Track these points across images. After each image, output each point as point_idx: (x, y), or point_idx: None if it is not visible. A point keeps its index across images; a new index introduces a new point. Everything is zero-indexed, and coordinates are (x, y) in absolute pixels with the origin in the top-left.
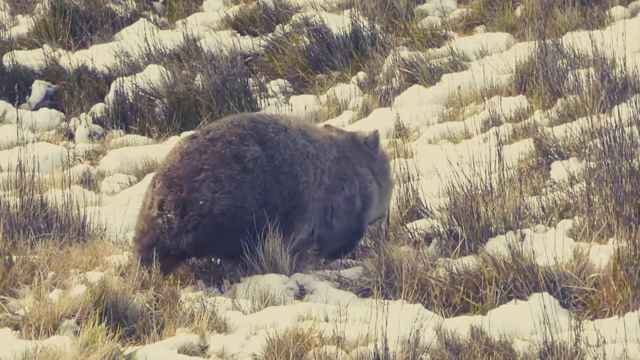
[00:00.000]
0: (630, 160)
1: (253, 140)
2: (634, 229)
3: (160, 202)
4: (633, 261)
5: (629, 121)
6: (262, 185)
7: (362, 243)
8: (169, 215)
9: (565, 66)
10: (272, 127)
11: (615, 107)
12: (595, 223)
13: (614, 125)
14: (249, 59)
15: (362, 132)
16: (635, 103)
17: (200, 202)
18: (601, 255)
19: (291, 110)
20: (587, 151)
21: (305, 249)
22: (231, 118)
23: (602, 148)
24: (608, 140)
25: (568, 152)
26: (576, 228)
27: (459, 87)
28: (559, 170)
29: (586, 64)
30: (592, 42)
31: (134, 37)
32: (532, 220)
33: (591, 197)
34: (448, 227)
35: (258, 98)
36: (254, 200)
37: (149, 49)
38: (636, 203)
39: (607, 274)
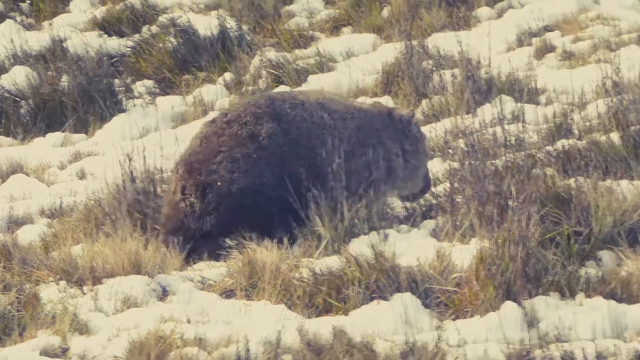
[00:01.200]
0: (493, 161)
1: (268, 117)
2: (496, 229)
3: (182, 187)
4: (495, 261)
5: (492, 122)
6: (279, 160)
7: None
8: (190, 199)
9: (430, 67)
10: (289, 103)
11: (480, 107)
12: (458, 223)
13: (477, 126)
14: (115, 59)
15: (400, 110)
16: (500, 104)
17: (219, 183)
18: (464, 255)
19: (157, 111)
20: (451, 151)
21: None
22: (250, 98)
23: (465, 149)
24: (471, 140)
25: (432, 153)
26: (439, 228)
27: (322, 87)
28: None
29: (452, 65)
30: (458, 43)
31: (0, 39)
32: (396, 220)
33: (454, 197)
34: (312, 227)
35: (124, 99)
36: (273, 176)
37: (15, 50)
38: (498, 203)
39: (469, 274)
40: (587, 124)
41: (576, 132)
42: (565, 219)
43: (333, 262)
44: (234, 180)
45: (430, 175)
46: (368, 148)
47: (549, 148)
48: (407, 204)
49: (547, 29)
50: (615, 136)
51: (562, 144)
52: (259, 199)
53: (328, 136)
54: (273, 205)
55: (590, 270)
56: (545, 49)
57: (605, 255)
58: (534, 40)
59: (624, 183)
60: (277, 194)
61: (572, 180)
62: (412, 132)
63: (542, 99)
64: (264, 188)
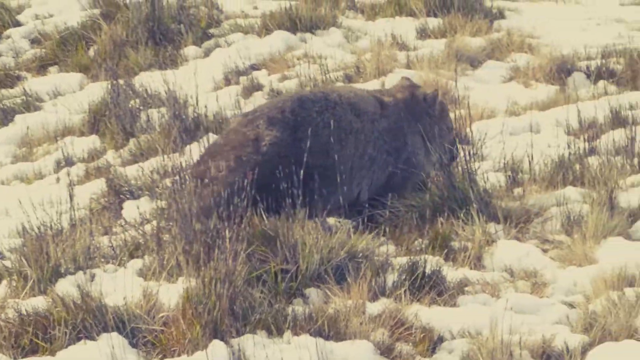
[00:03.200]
0: (199, 200)
1: (282, 124)
2: (203, 268)
3: (190, 175)
4: (202, 300)
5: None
6: (272, 167)
7: None
8: (191, 185)
9: (138, 106)
10: (318, 107)
11: (187, 146)
12: (165, 262)
13: (185, 164)
14: None
15: (423, 90)
16: (207, 142)
17: (205, 180)
18: (171, 294)
19: None
20: (158, 190)
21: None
22: (283, 97)
23: (172, 187)
24: (179, 179)
25: (140, 192)
26: (146, 267)
27: (28, 127)
28: (130, 209)
29: (159, 104)
30: (165, 81)
31: None
32: (103, 260)
33: (161, 236)
34: (18, 267)
35: None
36: (260, 179)
37: None
38: (205, 242)
39: (176, 313)
40: None
41: None
42: (272, 257)
43: (39, 303)
44: (218, 178)
45: (137, 213)
46: (391, 157)
47: None
48: (114, 243)
49: (254, 67)
50: None
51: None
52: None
53: (352, 140)
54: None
55: (297, 307)
56: (253, 88)
57: (313, 292)
58: (241, 78)
59: (331, 220)
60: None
61: (279, 218)
62: (436, 112)
63: None
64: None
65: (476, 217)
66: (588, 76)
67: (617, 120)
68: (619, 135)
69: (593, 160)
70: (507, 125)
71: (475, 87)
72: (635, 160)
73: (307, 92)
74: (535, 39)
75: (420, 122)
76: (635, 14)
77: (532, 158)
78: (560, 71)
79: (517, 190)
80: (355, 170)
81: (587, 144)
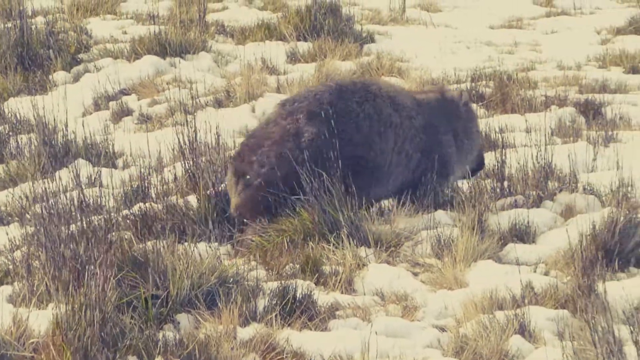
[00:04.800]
0: (69, 225)
1: (321, 118)
2: (72, 294)
3: (229, 167)
4: (72, 326)
5: (69, 186)
6: (314, 162)
7: None
8: (231, 181)
9: (7, 132)
10: (357, 97)
11: (57, 172)
12: (35, 288)
13: (54, 190)
14: None
15: (452, 90)
16: (76, 168)
17: (247, 177)
18: (41, 320)
19: None
20: (28, 216)
21: None
22: (321, 87)
23: (42, 213)
24: (48, 205)
25: (9, 218)
26: (16, 294)
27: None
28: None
29: (29, 130)
30: (34, 107)
31: None
32: None
33: (30, 262)
34: None
35: None
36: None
37: None
38: (75, 268)
39: (46, 339)
40: (165, 187)
41: (154, 195)
42: (142, 283)
43: None
44: (260, 174)
45: (7, 239)
46: (424, 157)
47: (126, 212)
48: None
49: (124, 92)
50: (192, 199)
51: (139, 207)
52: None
53: (392, 134)
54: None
55: (168, 333)
56: (122, 113)
57: (183, 318)
58: (111, 103)
59: (202, 245)
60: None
61: (149, 244)
62: (463, 112)
63: (120, 162)
64: (285, 186)
65: (347, 241)
66: None
67: (488, 143)
68: (488, 159)
69: (463, 184)
70: None
71: None
72: (505, 184)
73: (346, 82)
74: (405, 63)
75: (451, 122)
76: (505, 37)
77: None
78: None
79: (388, 214)
80: (393, 166)
81: None
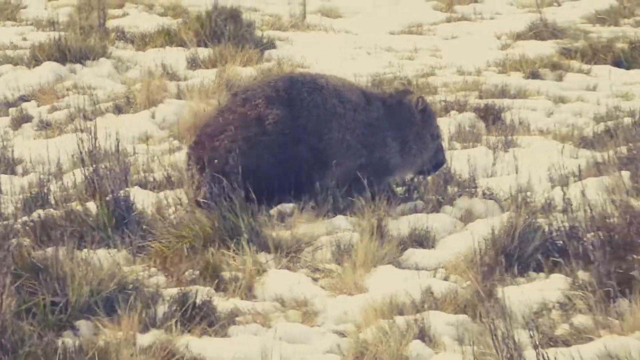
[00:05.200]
0: None
1: (280, 102)
2: None
3: (188, 156)
4: None
5: None
6: (280, 145)
7: None
8: (193, 170)
9: None
10: (307, 87)
11: None
12: None
13: None
14: None
15: (412, 96)
16: None
17: (215, 161)
18: None
19: None
20: None
21: None
22: (274, 78)
23: None
24: None
25: None
26: None
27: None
28: None
29: None
30: None
31: None
32: None
33: None
34: None
35: None
36: (271, 159)
37: None
38: None
39: None
40: (64, 193)
41: (53, 201)
42: (41, 289)
43: None
44: (229, 160)
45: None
46: (366, 150)
47: (25, 218)
48: None
49: (24, 98)
50: (92, 205)
51: (38, 213)
52: (252, 179)
53: (335, 124)
54: (269, 186)
55: (67, 340)
56: (22, 119)
57: (83, 324)
58: (11, 110)
59: (101, 252)
60: (273, 175)
61: (48, 250)
62: (417, 119)
63: (19, 169)
64: (258, 171)
65: (247, 247)
66: None
67: None
68: None
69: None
70: None
71: None
72: (404, 189)
73: (296, 74)
74: (305, 68)
75: (402, 128)
76: (405, 42)
77: None
78: None
79: (288, 220)
80: (338, 157)
81: None
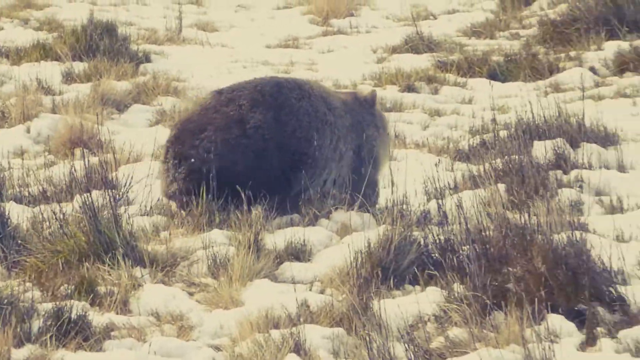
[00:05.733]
0: None
1: (265, 107)
2: None
3: (166, 149)
4: None
5: None
6: (259, 150)
7: None
8: (169, 163)
9: None
10: (296, 94)
11: None
12: None
13: None
14: None
15: (361, 91)
16: None
17: (192, 160)
18: None
19: None
20: None
21: None
22: (260, 80)
23: None
24: None
25: None
26: None
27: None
28: None
29: None
30: None
31: None
32: None
33: None
34: None
35: None
36: (248, 163)
37: None
38: None
39: None
40: None
41: None
42: None
43: None
44: (206, 161)
45: None
46: (356, 155)
47: None
48: None
49: None
50: None
51: None
52: (227, 181)
53: (329, 133)
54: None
55: None
56: None
57: None
58: None
59: None
60: (248, 179)
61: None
62: (376, 111)
63: None
64: (233, 174)
65: (122, 262)
66: None
67: None
68: None
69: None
70: (153, 169)
71: (121, 131)
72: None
73: (280, 78)
74: (181, 82)
75: (368, 118)
76: (281, 56)
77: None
78: None
79: (164, 234)
80: (328, 162)
81: None
